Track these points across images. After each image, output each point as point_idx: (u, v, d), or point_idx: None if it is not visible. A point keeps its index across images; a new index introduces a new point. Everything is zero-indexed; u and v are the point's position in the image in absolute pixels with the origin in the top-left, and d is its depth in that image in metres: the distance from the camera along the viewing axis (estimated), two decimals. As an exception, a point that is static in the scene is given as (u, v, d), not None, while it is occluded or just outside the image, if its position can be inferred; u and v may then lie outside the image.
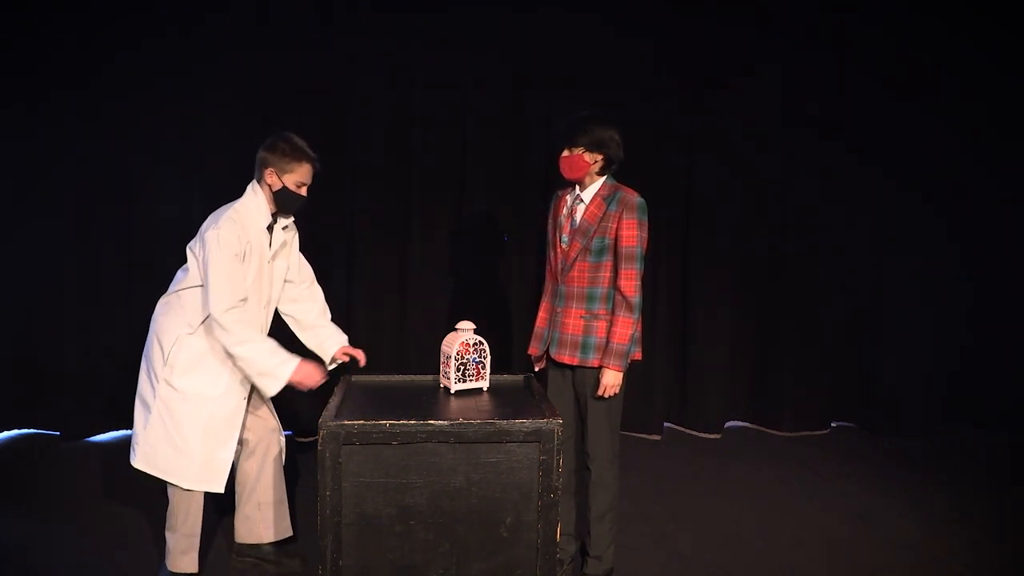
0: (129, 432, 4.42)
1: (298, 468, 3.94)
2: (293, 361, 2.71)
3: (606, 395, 2.74)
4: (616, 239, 2.72)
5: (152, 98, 4.29)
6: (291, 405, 4.23)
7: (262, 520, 2.97)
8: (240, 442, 2.92)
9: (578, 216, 2.79)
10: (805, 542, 3.36)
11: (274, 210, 2.80)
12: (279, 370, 2.68)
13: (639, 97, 4.58)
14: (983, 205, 4.95)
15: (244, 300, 2.70)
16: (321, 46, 4.39)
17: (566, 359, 2.81)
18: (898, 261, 4.91)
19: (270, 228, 2.82)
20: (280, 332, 2.93)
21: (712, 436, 4.80)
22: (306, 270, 3.06)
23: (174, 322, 2.74)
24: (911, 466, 4.35)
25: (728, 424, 4.94)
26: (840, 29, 4.70)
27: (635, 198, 2.74)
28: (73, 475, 3.92)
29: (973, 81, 4.81)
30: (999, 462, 4.50)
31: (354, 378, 2.77)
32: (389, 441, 2.19)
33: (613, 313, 2.75)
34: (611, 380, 2.72)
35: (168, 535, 2.80)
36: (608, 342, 2.73)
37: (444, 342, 2.63)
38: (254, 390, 2.90)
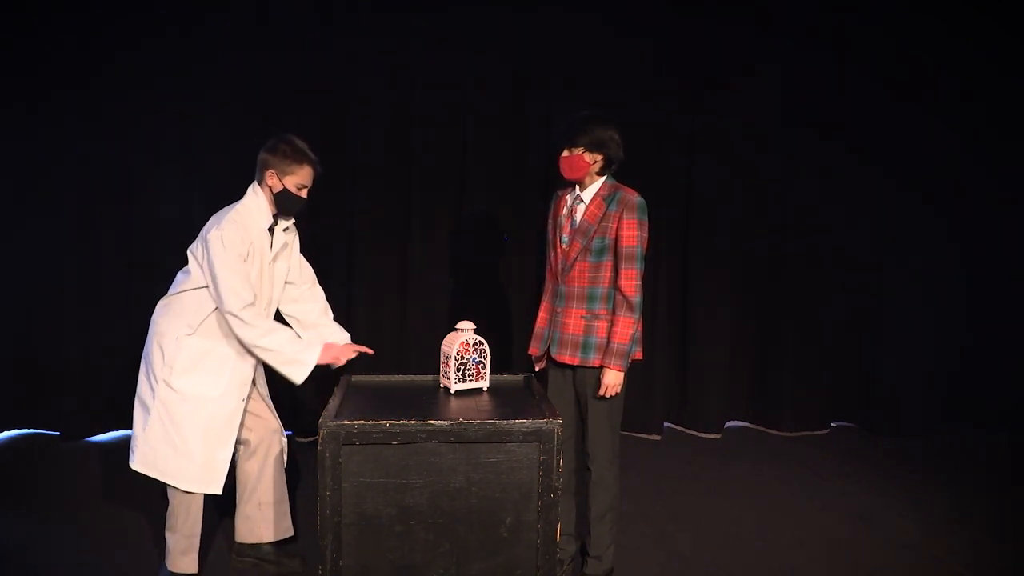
0: (129, 432, 4.44)
1: (298, 468, 3.94)
2: (317, 345, 2.73)
3: (607, 395, 2.74)
4: (616, 239, 2.72)
5: (152, 98, 4.29)
6: (291, 405, 4.24)
7: (262, 520, 2.97)
8: (242, 443, 2.92)
9: (578, 216, 2.79)
10: (805, 542, 3.36)
11: (275, 211, 2.81)
12: (305, 355, 2.70)
13: (639, 97, 4.59)
14: (983, 205, 4.95)
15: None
16: (321, 46, 4.39)
17: (567, 359, 2.81)
18: (898, 261, 4.91)
19: (271, 230, 2.82)
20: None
21: (712, 436, 4.80)
22: (307, 271, 3.06)
23: (174, 323, 2.74)
24: (911, 466, 4.35)
25: (728, 424, 4.94)
26: (840, 29, 4.70)
27: (635, 198, 2.74)
28: (73, 475, 3.92)
29: (973, 81, 4.81)
30: (999, 462, 4.50)
31: (354, 378, 2.77)
32: (389, 441, 2.19)
33: (614, 313, 2.75)
34: (612, 380, 2.72)
35: (168, 535, 2.80)
36: (609, 342, 2.73)
37: (444, 342, 2.63)
38: (253, 391, 2.90)
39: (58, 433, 4.40)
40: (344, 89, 4.43)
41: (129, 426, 4.41)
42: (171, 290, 2.81)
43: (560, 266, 2.84)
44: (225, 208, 2.79)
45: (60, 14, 4.20)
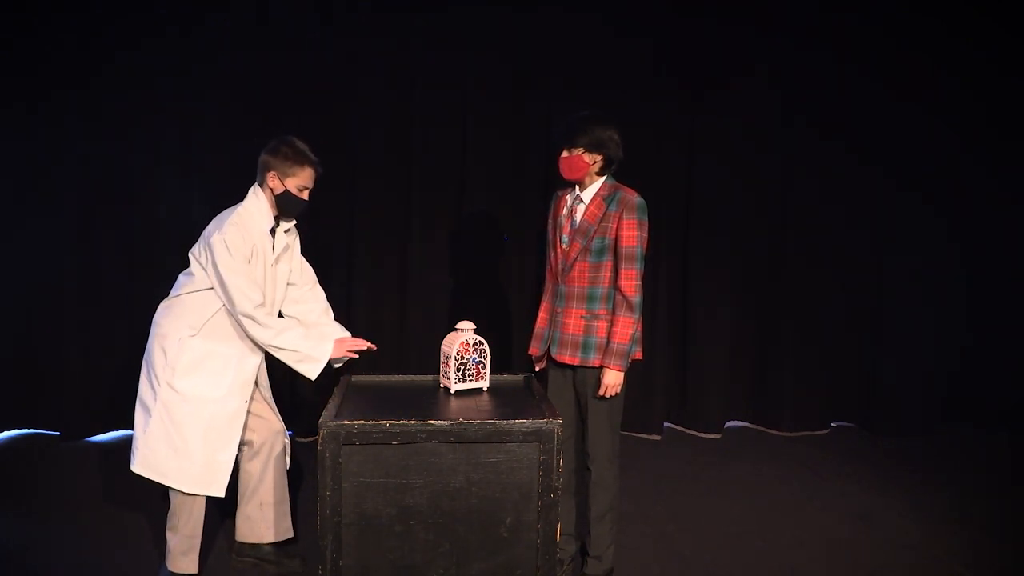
0: (129, 432, 4.43)
1: (298, 468, 3.94)
2: (329, 341, 2.76)
3: (607, 395, 2.74)
4: (616, 239, 2.72)
5: (152, 98, 4.29)
6: (292, 405, 4.24)
7: (263, 520, 2.97)
8: (244, 443, 2.92)
9: (578, 216, 2.79)
10: (805, 542, 3.36)
11: (276, 213, 2.81)
12: (318, 352, 2.72)
13: (639, 97, 4.58)
14: (983, 205, 4.95)
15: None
16: (321, 46, 4.39)
17: (567, 359, 2.81)
18: (898, 261, 4.91)
19: (272, 231, 2.83)
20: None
21: (712, 436, 4.80)
22: (308, 272, 3.07)
23: (176, 324, 2.74)
24: (911, 466, 4.35)
25: (728, 424, 4.94)
26: (840, 29, 4.70)
27: (635, 198, 2.74)
28: (73, 475, 3.92)
29: (973, 81, 4.81)
30: (999, 462, 4.50)
31: (354, 378, 2.77)
32: (389, 441, 2.19)
33: (614, 313, 2.75)
34: (612, 380, 2.72)
35: (169, 535, 2.80)
36: (609, 342, 2.73)
37: (444, 342, 2.63)
38: (255, 392, 2.90)
39: (58, 433, 4.40)
40: (344, 89, 4.43)
41: (129, 426, 4.43)
42: (173, 292, 2.81)
43: (560, 266, 2.84)
44: (226, 210, 2.79)
45: (60, 14, 4.20)
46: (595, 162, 2.74)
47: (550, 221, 2.93)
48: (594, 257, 2.75)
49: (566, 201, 2.86)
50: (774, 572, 3.09)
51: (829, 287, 4.91)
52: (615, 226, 2.71)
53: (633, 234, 2.70)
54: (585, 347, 2.77)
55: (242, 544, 3.01)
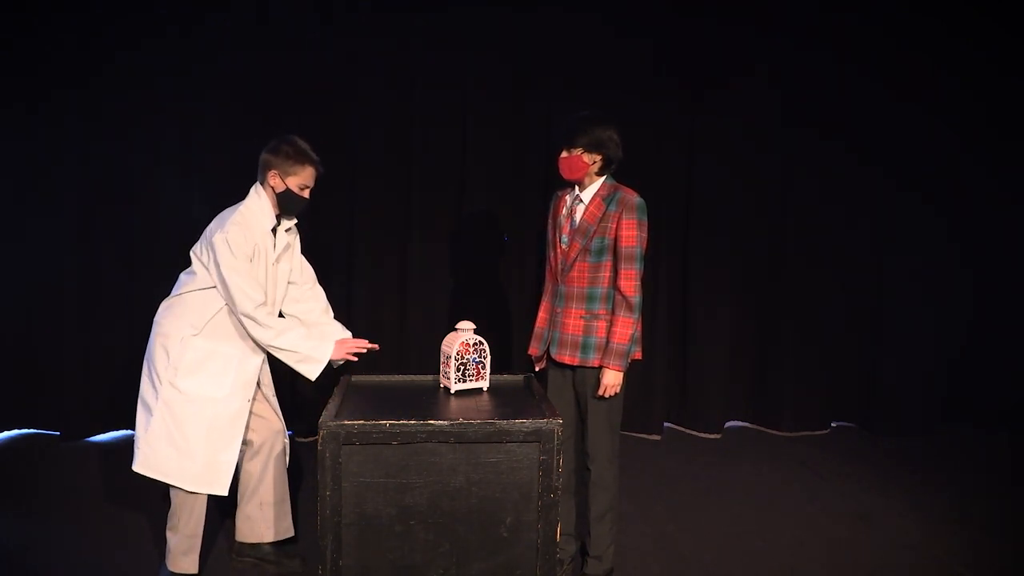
0: (129, 432, 4.45)
1: (299, 468, 3.94)
2: (330, 342, 2.76)
3: (606, 395, 2.74)
4: (616, 239, 2.72)
5: (152, 98, 4.29)
6: (292, 405, 4.24)
7: (263, 520, 2.97)
8: (245, 443, 2.92)
9: (578, 216, 2.79)
10: (805, 542, 3.36)
11: (277, 212, 2.81)
12: (318, 353, 2.72)
13: (639, 97, 4.58)
14: (983, 205, 4.95)
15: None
16: (321, 46, 4.39)
17: (566, 359, 2.81)
18: (898, 261, 4.90)
19: (273, 231, 2.83)
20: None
21: (712, 436, 4.80)
22: (308, 271, 3.07)
23: (178, 324, 2.74)
24: (911, 466, 4.35)
25: (728, 424, 4.94)
26: (840, 29, 4.70)
27: (634, 198, 2.74)
28: (73, 475, 3.92)
29: (973, 81, 4.81)
30: (999, 462, 4.50)
31: (354, 378, 2.78)
32: (389, 441, 2.19)
33: (613, 313, 2.75)
34: (611, 380, 2.72)
35: (169, 535, 2.80)
36: (608, 342, 2.73)
37: (444, 342, 2.63)
38: (258, 392, 2.90)
39: (58, 433, 4.40)
40: (344, 89, 4.43)
41: (129, 426, 4.45)
42: (174, 291, 2.81)
43: (560, 266, 2.84)
44: (228, 209, 2.79)
45: (60, 14, 4.20)
46: (594, 162, 2.74)
47: (550, 221, 2.93)
48: (593, 257, 2.75)
49: (566, 201, 2.86)
50: (774, 572, 3.09)
51: (829, 287, 4.91)
52: (615, 226, 2.71)
53: (632, 234, 2.70)
54: (585, 347, 2.77)
55: (242, 544, 3.01)
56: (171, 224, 4.30)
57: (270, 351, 2.74)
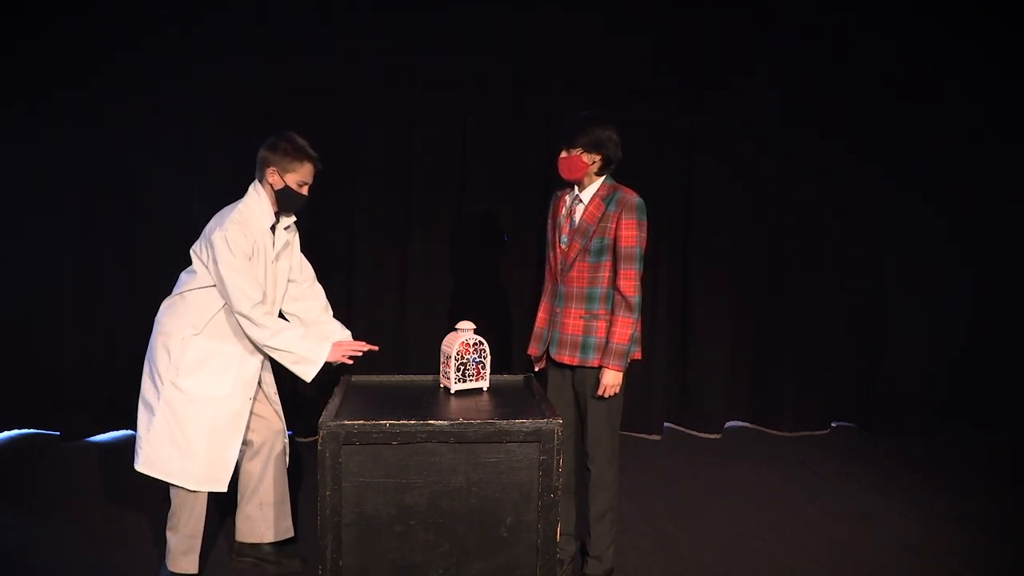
0: (129, 432, 4.45)
1: (299, 468, 3.94)
2: (326, 343, 2.74)
3: (606, 395, 2.74)
4: (615, 239, 2.72)
5: (152, 98, 4.29)
6: (292, 405, 4.24)
7: (263, 520, 2.97)
8: (245, 443, 2.92)
9: (577, 216, 2.79)
10: (805, 542, 3.36)
11: (276, 209, 2.81)
12: (314, 354, 2.70)
13: (639, 97, 4.58)
14: (983, 205, 4.95)
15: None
16: (321, 46, 4.39)
17: (566, 359, 2.81)
18: (898, 261, 4.90)
19: (273, 228, 2.83)
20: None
21: (712, 436, 4.80)
22: (307, 269, 3.07)
23: (179, 324, 2.74)
24: (911, 466, 4.35)
25: (728, 424, 4.94)
26: (840, 29, 4.70)
27: (634, 198, 2.74)
28: (73, 475, 3.92)
29: (973, 81, 4.81)
30: (999, 462, 4.50)
31: (354, 378, 2.78)
32: (389, 441, 2.19)
33: (612, 313, 2.75)
34: (611, 380, 2.72)
35: (169, 535, 2.80)
36: (608, 342, 2.73)
37: (444, 342, 2.63)
38: (259, 392, 2.90)
39: (58, 433, 4.40)
40: (344, 89, 4.43)
41: (129, 426, 4.45)
42: (175, 290, 2.81)
43: (559, 266, 2.84)
44: (227, 207, 2.79)
45: (60, 14, 4.20)
46: (594, 162, 2.74)
47: (549, 221, 2.93)
48: (593, 257, 2.75)
49: (565, 201, 2.86)
50: (774, 572, 3.09)
51: (829, 287, 4.91)
52: (614, 226, 2.71)
53: (632, 234, 2.70)
54: (584, 347, 2.77)
55: (242, 544, 3.01)
56: (171, 224, 4.30)
57: (265, 351, 2.73)
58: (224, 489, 2.77)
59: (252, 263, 2.71)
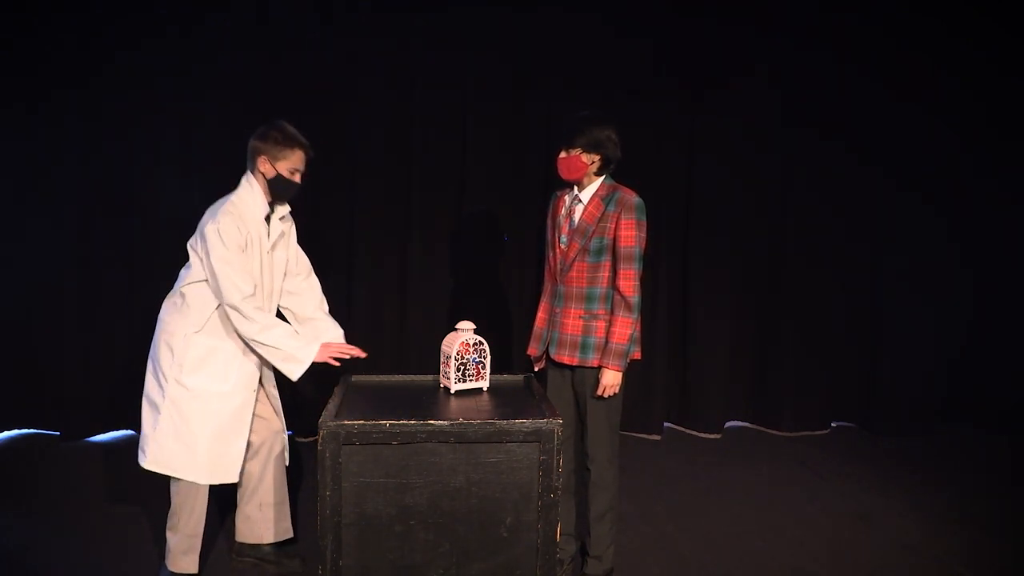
0: (129, 432, 4.45)
1: (298, 468, 3.94)
2: (315, 343, 2.74)
3: (605, 395, 2.74)
4: (614, 239, 2.72)
5: (152, 98, 4.29)
6: (291, 405, 4.24)
7: (263, 520, 2.97)
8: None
9: (576, 216, 2.79)
10: (805, 542, 3.36)
11: (270, 199, 2.80)
12: (302, 353, 2.69)
13: (639, 97, 4.58)
14: (983, 205, 4.95)
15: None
16: (321, 46, 4.39)
17: (565, 359, 2.81)
18: (898, 261, 4.90)
19: (267, 219, 2.82)
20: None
21: (712, 436, 4.80)
22: (303, 261, 3.05)
23: (180, 321, 2.74)
24: (911, 466, 4.35)
25: (728, 424, 4.94)
26: (840, 29, 4.70)
27: (633, 198, 2.73)
28: (73, 475, 3.92)
29: (973, 81, 4.81)
30: (999, 462, 4.50)
31: (354, 378, 2.78)
32: (389, 441, 2.19)
33: (612, 313, 2.75)
34: (610, 380, 2.72)
35: (169, 535, 2.80)
36: (607, 342, 2.73)
37: (444, 342, 2.63)
38: (261, 392, 2.90)
39: (58, 433, 4.40)
40: (344, 89, 4.43)
41: (129, 426, 4.45)
42: (175, 286, 2.81)
43: (559, 266, 2.84)
44: (220, 200, 2.78)
45: (60, 14, 4.20)
46: (593, 162, 2.74)
47: (548, 221, 2.93)
48: (592, 257, 2.75)
49: (565, 201, 2.86)
50: (774, 572, 3.09)
51: (829, 287, 4.91)
52: (613, 226, 2.71)
53: (631, 234, 2.70)
54: (584, 347, 2.77)
55: (242, 544, 3.01)
56: (171, 224, 4.29)
57: (253, 346, 2.70)
58: (235, 479, 2.78)
59: (246, 255, 2.70)
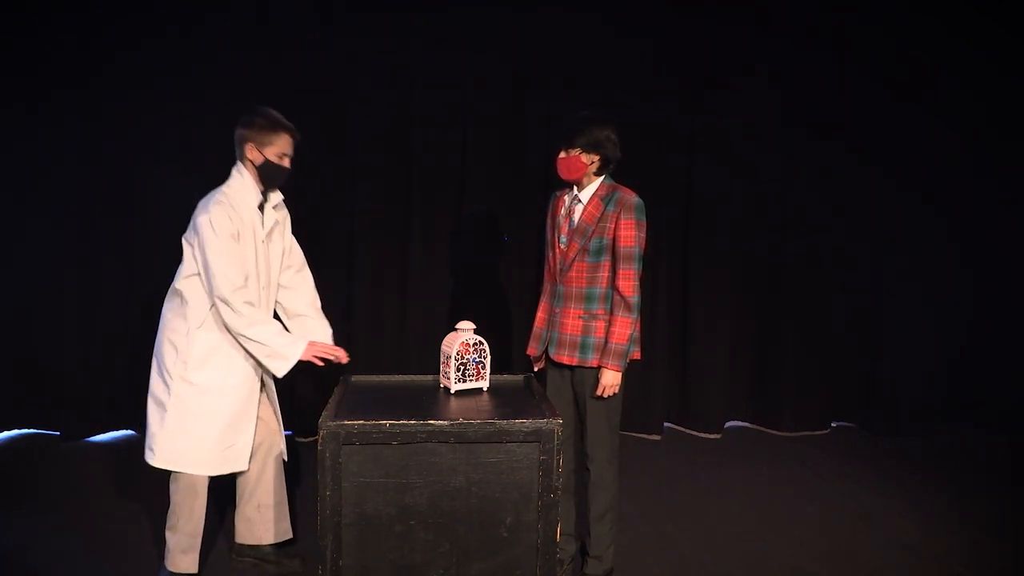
0: (129, 432, 4.45)
1: (298, 468, 3.94)
2: (302, 342, 2.73)
3: (605, 395, 2.74)
4: (614, 239, 2.72)
5: (152, 98, 4.29)
6: (291, 405, 4.24)
7: (262, 521, 2.97)
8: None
9: (576, 216, 2.79)
10: (805, 542, 3.35)
11: (262, 187, 2.80)
12: (288, 351, 2.69)
13: (639, 97, 4.58)
14: (983, 205, 4.95)
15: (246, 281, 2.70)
16: (321, 46, 4.38)
17: (565, 359, 2.81)
18: (898, 261, 4.90)
19: (261, 208, 2.81)
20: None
21: (712, 436, 4.80)
22: (297, 254, 3.03)
23: (181, 318, 2.74)
24: (911, 466, 4.35)
25: (728, 424, 4.94)
26: (840, 29, 4.70)
27: (633, 198, 2.73)
28: (73, 475, 3.92)
29: (973, 81, 4.81)
30: (999, 462, 4.50)
31: (354, 378, 2.77)
32: (389, 441, 2.19)
33: (611, 313, 2.75)
34: (610, 380, 2.72)
35: (168, 535, 2.80)
36: (607, 342, 2.73)
37: (444, 342, 2.63)
38: (263, 395, 2.90)
39: (58, 433, 4.39)
40: (344, 89, 4.43)
41: (128, 426, 4.45)
42: (173, 281, 2.81)
43: (558, 266, 2.84)
44: (212, 192, 2.78)
45: (60, 14, 4.20)
46: (592, 162, 2.74)
47: (548, 221, 2.93)
48: (592, 257, 2.75)
49: (564, 201, 2.86)
50: (774, 572, 3.09)
51: (829, 287, 4.91)
52: (613, 226, 2.71)
53: (631, 234, 2.70)
54: (583, 347, 2.77)
55: (242, 546, 3.01)
56: (171, 224, 4.26)
57: (240, 340, 2.69)
58: (245, 467, 2.80)
59: (240, 245, 2.70)
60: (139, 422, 4.35)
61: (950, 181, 4.87)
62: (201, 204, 2.75)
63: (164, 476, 2.78)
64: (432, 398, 2.54)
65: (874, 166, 4.84)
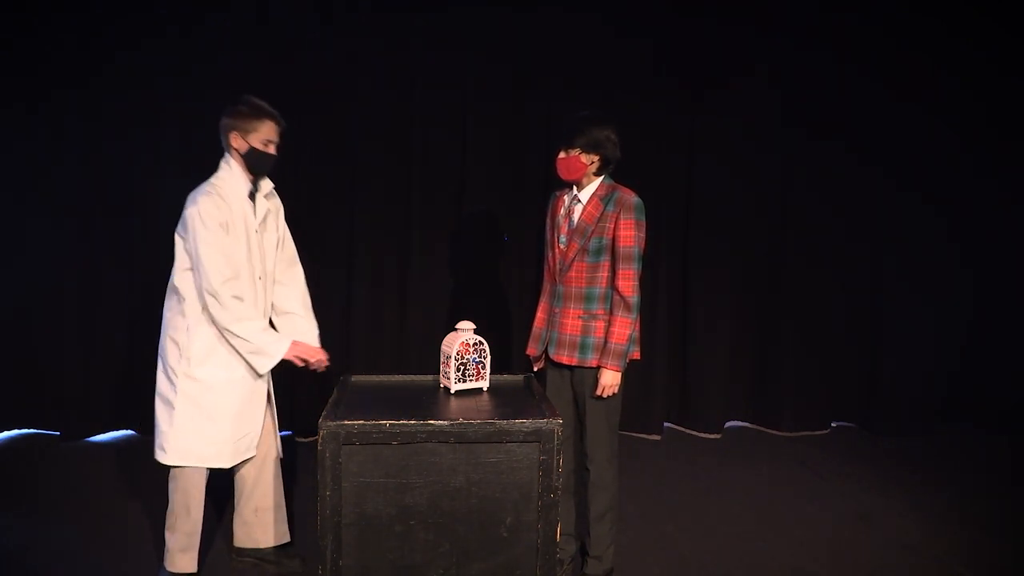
0: (129, 432, 4.45)
1: (298, 468, 3.95)
2: (287, 340, 2.74)
3: (604, 395, 2.74)
4: (614, 239, 2.72)
5: (152, 98, 4.29)
6: (291, 405, 4.24)
7: (259, 525, 2.97)
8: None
9: (576, 216, 2.79)
10: (805, 542, 3.35)
11: (251, 176, 2.79)
12: (272, 348, 2.70)
13: (639, 97, 4.58)
14: (983, 205, 4.95)
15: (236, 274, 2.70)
16: (321, 46, 4.38)
17: (564, 359, 2.81)
18: (898, 261, 4.90)
19: (252, 197, 2.81)
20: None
21: (712, 436, 4.80)
22: (288, 248, 3.01)
23: (180, 316, 2.74)
24: (911, 466, 4.35)
25: (728, 424, 4.94)
26: (840, 29, 4.70)
27: (632, 198, 2.73)
28: (73, 475, 3.92)
29: (973, 81, 4.81)
30: (999, 462, 4.50)
31: (354, 378, 2.78)
32: (389, 441, 2.19)
33: (611, 313, 2.75)
34: (609, 380, 2.72)
35: (168, 535, 2.79)
36: (606, 342, 2.73)
37: (444, 342, 2.63)
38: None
39: (58, 433, 4.39)
40: (344, 89, 4.43)
41: (129, 426, 4.46)
42: (171, 278, 2.80)
43: (558, 266, 2.84)
44: (202, 183, 2.77)
45: (60, 14, 4.20)
46: (592, 162, 2.74)
47: (548, 221, 2.93)
48: (592, 257, 2.75)
49: (564, 201, 2.86)
50: (774, 572, 3.09)
51: (829, 287, 4.91)
52: (612, 226, 2.71)
53: (631, 234, 2.70)
54: (583, 347, 2.77)
55: (241, 548, 3.01)
56: (171, 224, 4.24)
57: (225, 335, 2.68)
58: (254, 453, 2.82)
59: (231, 237, 2.69)
60: (139, 422, 4.37)
61: (950, 181, 4.87)
62: (190, 196, 2.74)
63: (164, 476, 2.78)
64: (432, 398, 2.54)
65: (874, 166, 4.84)
